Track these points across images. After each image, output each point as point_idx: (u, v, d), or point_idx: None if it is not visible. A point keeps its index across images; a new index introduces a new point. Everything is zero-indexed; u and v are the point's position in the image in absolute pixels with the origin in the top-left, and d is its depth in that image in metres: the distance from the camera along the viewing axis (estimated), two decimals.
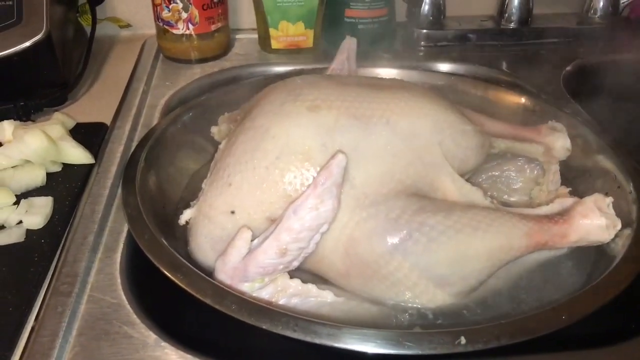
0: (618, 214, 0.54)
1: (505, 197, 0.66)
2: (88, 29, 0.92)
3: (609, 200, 0.55)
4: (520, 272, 0.55)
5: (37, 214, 0.55)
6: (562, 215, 0.55)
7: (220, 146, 0.65)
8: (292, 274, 0.51)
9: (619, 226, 0.54)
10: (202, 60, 0.88)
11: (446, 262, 0.50)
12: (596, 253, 0.56)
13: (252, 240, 0.50)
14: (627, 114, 0.92)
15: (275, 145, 0.52)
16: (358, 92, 0.56)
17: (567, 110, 0.72)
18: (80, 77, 0.81)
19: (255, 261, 0.49)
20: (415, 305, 0.51)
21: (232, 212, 0.52)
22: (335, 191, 0.49)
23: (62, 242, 0.54)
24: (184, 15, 0.83)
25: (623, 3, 0.94)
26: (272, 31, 0.88)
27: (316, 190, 0.49)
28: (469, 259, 0.51)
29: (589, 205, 0.55)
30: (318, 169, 0.51)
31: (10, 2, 0.70)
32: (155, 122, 0.74)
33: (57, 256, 0.52)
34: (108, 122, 0.74)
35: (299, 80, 0.62)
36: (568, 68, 0.86)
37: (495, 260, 0.52)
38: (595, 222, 0.54)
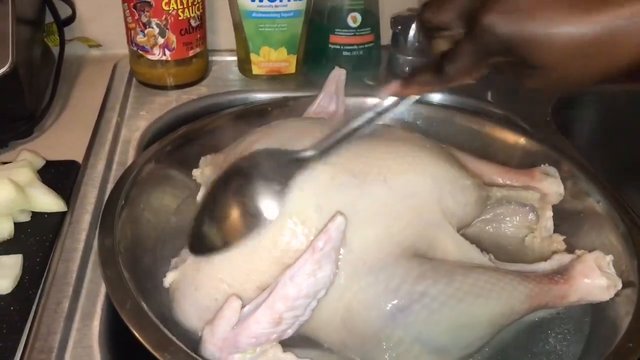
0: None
1: (497, 241, 0.64)
2: (55, 50, 0.86)
3: (609, 258, 0.53)
4: (516, 330, 0.54)
5: (5, 276, 0.51)
6: (562, 274, 0.53)
7: (199, 195, 0.62)
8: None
9: (620, 286, 0.52)
10: (179, 87, 0.83)
11: (448, 333, 0.48)
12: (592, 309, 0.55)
13: (242, 308, 0.47)
14: (615, 143, 0.91)
15: None
16: (354, 146, 0.53)
17: (559, 149, 0.70)
18: (48, 108, 0.76)
19: (247, 331, 0.46)
20: None
21: (221, 281, 0.48)
22: (333, 256, 0.46)
23: (34, 309, 0.50)
24: (161, 40, 0.78)
25: None
26: (253, 57, 0.84)
27: (314, 256, 0.46)
28: (471, 328, 0.49)
29: (589, 265, 0.53)
30: (314, 231, 0.48)
31: None
32: (130, 158, 0.70)
33: (28, 326, 0.48)
34: (79, 158, 0.69)
35: (285, 125, 0.59)
36: (555, 99, 0.85)
37: (497, 326, 0.50)
38: (596, 282, 0.52)
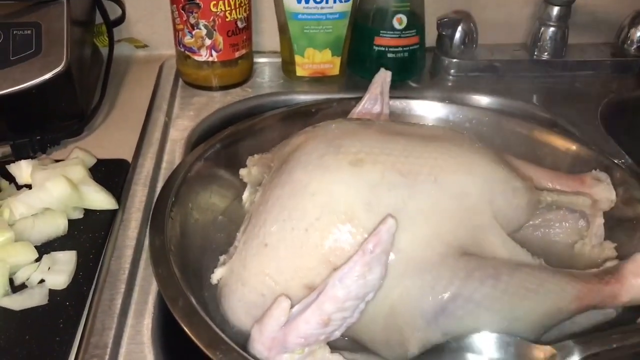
0: None
1: (545, 247, 0.63)
2: (103, 51, 0.88)
3: None
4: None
5: (61, 271, 0.52)
6: (613, 274, 0.52)
7: (245, 194, 0.62)
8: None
9: None
10: (224, 88, 0.84)
11: None
12: None
13: (290, 308, 0.47)
14: None
15: (315, 204, 0.49)
16: (403, 145, 0.53)
17: (610, 155, 0.69)
18: (97, 108, 0.77)
19: (295, 331, 0.46)
20: None
21: (268, 276, 0.48)
22: (383, 259, 0.46)
23: (88, 304, 0.51)
24: (208, 42, 0.79)
25: None
26: (297, 58, 0.84)
27: (364, 258, 0.45)
28: (516, 329, 0.48)
29: None
30: (362, 230, 0.47)
31: (29, 32, 0.66)
32: (178, 157, 0.71)
33: (83, 321, 0.49)
34: (128, 157, 0.70)
35: (333, 126, 0.59)
36: (604, 103, 0.83)
37: (543, 327, 0.49)
38: None
